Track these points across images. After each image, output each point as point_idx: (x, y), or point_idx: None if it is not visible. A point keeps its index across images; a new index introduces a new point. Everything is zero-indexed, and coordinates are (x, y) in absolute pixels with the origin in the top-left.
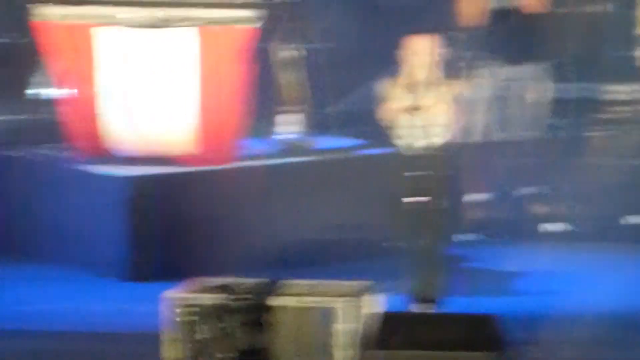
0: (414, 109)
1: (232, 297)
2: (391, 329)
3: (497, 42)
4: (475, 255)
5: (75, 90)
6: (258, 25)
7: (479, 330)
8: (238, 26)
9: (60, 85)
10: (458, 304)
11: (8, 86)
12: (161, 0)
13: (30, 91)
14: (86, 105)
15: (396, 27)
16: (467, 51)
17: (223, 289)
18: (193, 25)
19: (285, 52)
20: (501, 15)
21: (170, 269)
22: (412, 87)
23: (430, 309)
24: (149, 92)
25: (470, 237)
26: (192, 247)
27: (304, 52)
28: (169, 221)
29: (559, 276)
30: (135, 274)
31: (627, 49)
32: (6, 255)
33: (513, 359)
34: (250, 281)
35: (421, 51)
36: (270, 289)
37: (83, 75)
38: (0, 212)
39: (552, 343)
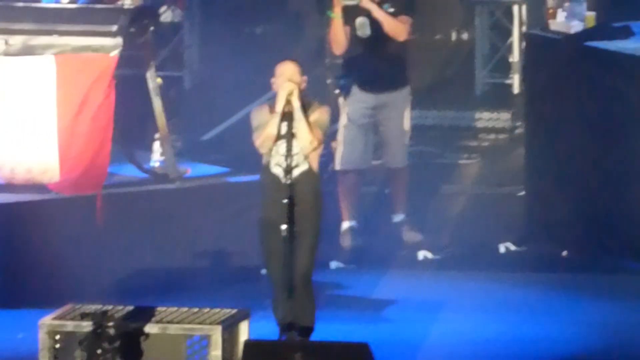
0: (289, 136)
1: (109, 323)
2: (261, 357)
3: (365, 69)
4: (346, 283)
5: None
6: (117, 52)
7: (350, 359)
8: (96, 54)
9: None
10: (329, 332)
11: None
12: (18, 28)
13: None
14: None
15: (267, 54)
16: (337, 79)
17: (99, 315)
18: (50, 53)
19: (156, 79)
20: (369, 43)
21: (40, 296)
22: (284, 114)
23: (301, 337)
24: (9, 121)
25: (341, 264)
26: (60, 274)
27: (176, 79)
28: (35, 248)
29: (430, 304)
30: (6, 301)
31: (492, 76)
32: None
33: None
34: (125, 308)
35: (291, 78)
36: (144, 316)
37: None
38: None
39: None
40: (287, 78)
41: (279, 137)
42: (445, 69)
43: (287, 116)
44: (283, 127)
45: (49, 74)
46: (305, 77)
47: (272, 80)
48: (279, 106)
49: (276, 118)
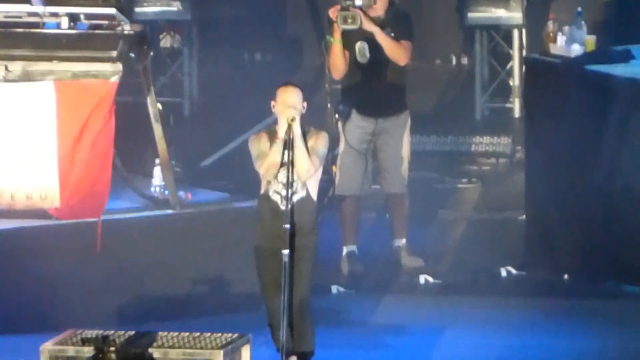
0: (289, 163)
1: (110, 348)
2: None
3: (364, 95)
4: (346, 308)
5: None
6: (116, 78)
7: None
8: (96, 80)
9: None
10: (329, 357)
11: None
12: (18, 54)
13: None
14: None
15: (266, 80)
16: (336, 104)
17: (100, 340)
18: (50, 79)
19: (156, 105)
20: (368, 68)
21: (41, 321)
22: (284, 142)
23: None
24: (12, 147)
25: (341, 289)
26: (60, 300)
27: (175, 105)
28: (36, 273)
29: (430, 329)
30: (7, 326)
31: (492, 101)
32: None
33: None
34: (126, 333)
35: (293, 105)
36: (145, 341)
37: None
38: None
39: None
40: (288, 105)
41: (282, 163)
42: (445, 94)
43: (288, 143)
44: (285, 153)
45: (49, 101)
46: (305, 103)
47: (272, 103)
48: (281, 133)
49: (279, 145)
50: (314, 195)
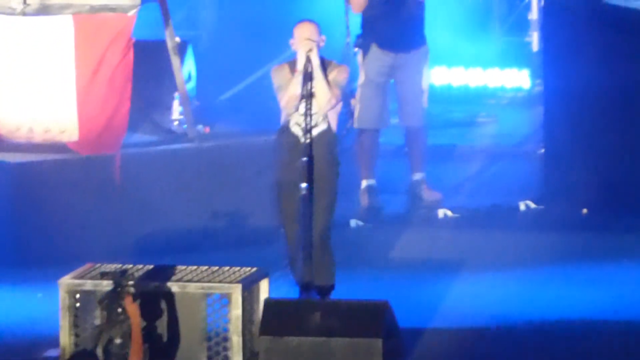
0: (309, 95)
1: (130, 282)
2: (281, 316)
3: (384, 29)
4: (365, 241)
5: None
6: (134, 12)
7: (371, 317)
8: (114, 14)
9: None
10: (349, 290)
11: None
12: None
13: None
14: None
15: (285, 11)
16: (356, 38)
17: (117, 274)
18: (67, 13)
19: (174, 38)
20: (388, 2)
21: (60, 255)
22: (303, 74)
23: (321, 296)
24: (32, 80)
25: (360, 222)
26: (80, 233)
27: (192, 40)
28: (55, 207)
29: (449, 262)
30: (25, 260)
31: (510, 34)
32: None
33: (403, 346)
34: (144, 267)
35: (310, 36)
36: (164, 275)
37: None
38: None
39: (444, 330)
40: (305, 37)
41: (303, 96)
42: (464, 27)
43: (307, 75)
44: (306, 86)
45: (68, 34)
46: (323, 37)
47: (291, 41)
48: (300, 65)
49: (298, 77)
50: (334, 127)
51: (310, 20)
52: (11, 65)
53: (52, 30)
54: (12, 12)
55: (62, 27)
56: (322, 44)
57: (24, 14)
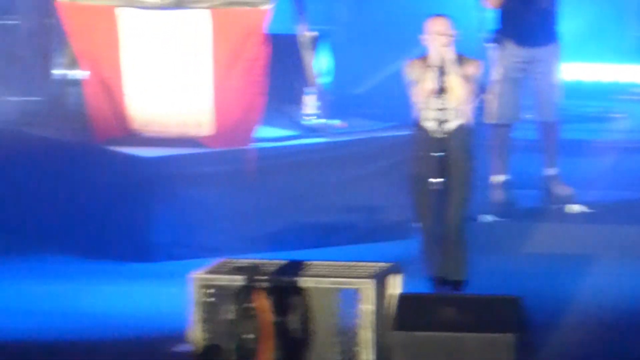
0: (442, 90)
1: (259, 277)
2: (414, 311)
3: (518, 23)
4: (498, 236)
5: (100, 71)
6: (269, 6)
7: (503, 312)
8: (249, 8)
9: (85, 65)
10: (481, 285)
11: (33, 67)
12: None
13: (55, 72)
14: (110, 85)
15: (413, 7)
16: (490, 32)
17: (250, 269)
18: (203, 7)
19: (308, 33)
20: None
21: (191, 249)
22: (437, 69)
23: (454, 291)
24: (168, 74)
25: (493, 217)
26: (211, 227)
27: (326, 34)
28: (188, 201)
29: (582, 257)
30: (157, 254)
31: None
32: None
33: (535, 341)
34: (276, 262)
35: (443, 32)
36: (296, 270)
37: (107, 56)
38: (21, 195)
39: (576, 325)
40: (438, 32)
41: (436, 91)
42: (595, 22)
43: (440, 70)
44: (438, 81)
45: (206, 28)
46: (457, 31)
47: (421, 36)
48: (433, 60)
49: (432, 72)
50: (468, 121)
51: (443, 15)
52: (146, 59)
53: (190, 24)
54: (147, 7)
55: (200, 21)
56: (455, 38)
57: (160, 7)
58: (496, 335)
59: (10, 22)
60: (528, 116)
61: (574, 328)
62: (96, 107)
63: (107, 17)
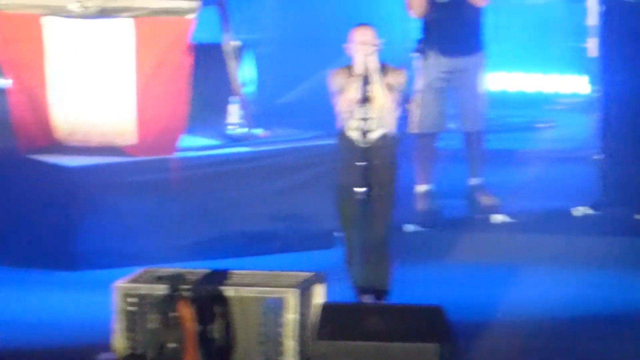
0: (366, 99)
1: (184, 286)
2: (338, 320)
3: (442, 34)
4: (421, 246)
5: (24, 80)
6: (194, 15)
7: (427, 321)
8: (173, 17)
9: (9, 74)
10: (404, 294)
11: None
12: None
13: None
14: (35, 94)
15: (337, 17)
16: (414, 42)
17: (173, 278)
18: (127, 16)
19: (233, 42)
20: (447, 8)
21: (116, 258)
22: (361, 78)
23: (377, 300)
24: (92, 83)
25: (416, 227)
26: (136, 236)
27: (251, 43)
28: (112, 210)
29: (504, 267)
30: (82, 263)
31: (568, 40)
32: None
33: (459, 351)
34: (200, 271)
35: (367, 41)
36: (220, 279)
37: (32, 65)
38: None
39: (499, 334)
40: (363, 42)
41: (361, 100)
42: (521, 33)
43: (365, 79)
44: (363, 90)
45: (129, 37)
46: (381, 41)
47: (345, 46)
48: (358, 69)
49: (356, 81)
50: (392, 131)
51: (368, 24)
52: (71, 68)
53: (112, 33)
54: (69, 15)
55: (124, 30)
56: (379, 47)
57: (84, 16)
58: (420, 344)
59: None
60: (453, 126)
61: (497, 337)
62: (20, 116)
63: (32, 26)
